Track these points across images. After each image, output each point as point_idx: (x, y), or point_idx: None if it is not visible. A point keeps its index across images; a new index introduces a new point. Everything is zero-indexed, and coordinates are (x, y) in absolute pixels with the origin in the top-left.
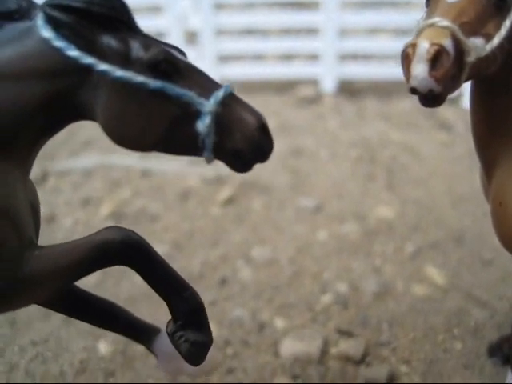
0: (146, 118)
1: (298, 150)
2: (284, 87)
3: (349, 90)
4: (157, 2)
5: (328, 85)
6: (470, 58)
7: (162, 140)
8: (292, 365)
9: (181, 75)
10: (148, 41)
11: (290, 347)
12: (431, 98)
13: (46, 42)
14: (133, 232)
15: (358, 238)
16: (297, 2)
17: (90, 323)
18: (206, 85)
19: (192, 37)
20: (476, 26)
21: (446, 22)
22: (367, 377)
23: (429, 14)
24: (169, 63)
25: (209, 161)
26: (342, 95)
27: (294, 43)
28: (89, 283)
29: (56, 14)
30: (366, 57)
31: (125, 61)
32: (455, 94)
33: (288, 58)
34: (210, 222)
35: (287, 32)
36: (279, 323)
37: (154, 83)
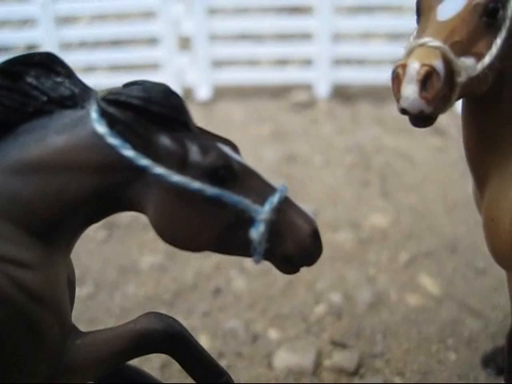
0: (199, 222)
1: (293, 156)
2: (278, 92)
3: (343, 94)
4: (149, 7)
5: (322, 90)
6: (461, 78)
7: (215, 243)
8: (286, 377)
9: (237, 180)
10: (206, 143)
11: (283, 359)
12: (422, 119)
13: (99, 136)
14: (173, 320)
15: (353, 247)
16: (290, 7)
17: None
18: (260, 189)
19: (185, 42)
20: (467, 45)
21: (436, 42)
22: None
23: (419, 33)
24: (226, 169)
25: (257, 262)
26: (336, 100)
27: (287, 48)
28: (81, 295)
29: (112, 110)
30: (359, 61)
31: (181, 164)
32: None
33: (282, 62)
34: None
35: (281, 37)
36: (273, 334)
37: (210, 190)
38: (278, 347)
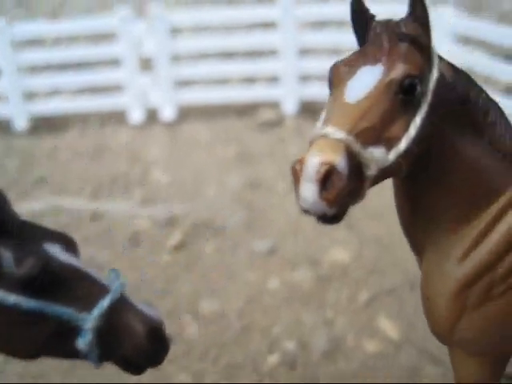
0: (20, 336)
1: (256, 182)
2: (245, 111)
3: (311, 110)
4: (110, 28)
5: (289, 107)
6: (371, 172)
7: (41, 352)
8: None
9: (60, 286)
10: (23, 248)
11: None
12: (328, 219)
13: None
14: None
15: (311, 286)
16: (255, 24)
17: None
18: (90, 293)
19: (147, 63)
20: (379, 130)
21: (340, 134)
22: None
23: (325, 117)
24: (45, 276)
25: (96, 367)
26: (303, 116)
27: (253, 65)
28: None
29: None
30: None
31: None
32: None
33: (248, 80)
34: (159, 270)
35: (246, 54)
36: None
37: (27, 304)
38: None
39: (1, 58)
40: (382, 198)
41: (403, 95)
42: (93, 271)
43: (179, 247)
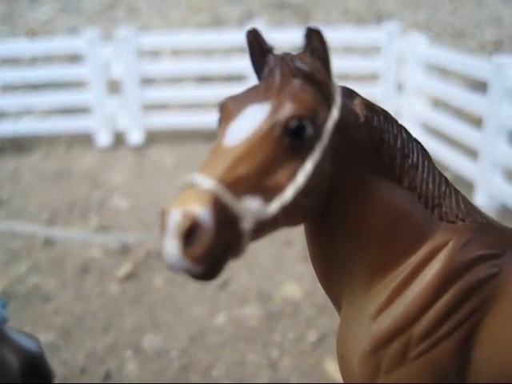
0: None
1: None
2: (213, 135)
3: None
4: (77, 50)
5: None
6: (248, 225)
7: None
8: None
9: None
10: None
11: None
12: (197, 277)
13: None
14: None
15: (259, 323)
16: (224, 49)
17: None
18: None
19: (115, 85)
20: (257, 179)
21: (209, 183)
22: None
23: (203, 162)
24: None
25: None
26: None
27: (221, 90)
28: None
29: None
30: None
31: None
32: None
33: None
34: (105, 302)
35: (215, 79)
36: None
37: None
38: None
39: None
40: None
41: (290, 138)
42: None
43: (128, 278)
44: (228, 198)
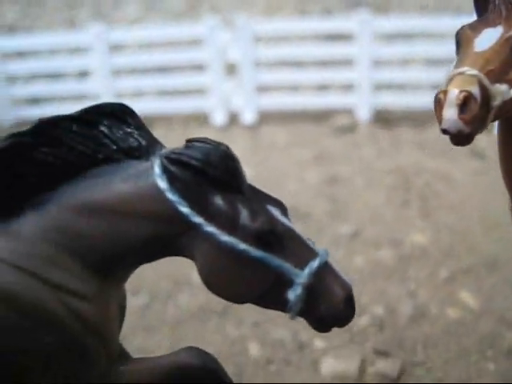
0: (241, 280)
1: (335, 178)
2: (320, 117)
3: (384, 119)
4: (198, 35)
5: (363, 114)
6: (496, 102)
7: (255, 298)
8: (332, 382)
9: (280, 244)
10: (256, 207)
11: (329, 365)
12: (461, 138)
13: (159, 190)
14: (210, 357)
15: (394, 264)
16: (332, 35)
17: None
18: (302, 253)
19: (232, 68)
20: (500, 73)
21: (473, 71)
22: None
23: (458, 63)
24: (272, 233)
25: (292, 318)
26: (376, 124)
27: (330, 74)
28: (137, 305)
29: (173, 168)
30: (399, 86)
31: (231, 225)
32: None
33: (324, 88)
34: None
35: (323, 63)
36: (318, 344)
37: (255, 252)
38: (323, 355)
39: (99, 61)
40: (456, 194)
41: None
42: (305, 237)
43: None
44: (486, 82)
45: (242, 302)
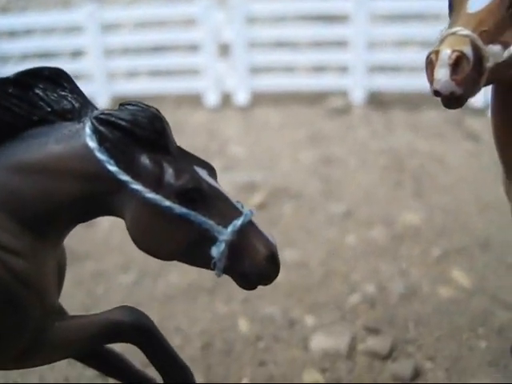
0: (167, 235)
1: (329, 159)
2: (314, 98)
3: (378, 101)
4: (191, 15)
5: (357, 96)
6: (489, 64)
7: (180, 255)
8: (321, 359)
9: (205, 202)
10: (181, 166)
11: (319, 342)
12: (453, 100)
13: (90, 149)
14: (144, 316)
15: (386, 242)
16: (327, 16)
17: (100, 371)
18: (227, 212)
19: (225, 49)
20: (494, 34)
21: (466, 31)
22: (393, 371)
23: (451, 24)
24: (196, 191)
25: (218, 276)
26: (371, 106)
27: (324, 55)
28: (126, 282)
29: (102, 128)
30: (394, 68)
31: (156, 183)
32: (482, 104)
33: (318, 70)
34: None
35: (317, 45)
36: (309, 320)
37: (179, 209)
38: (313, 332)
39: (92, 40)
40: (449, 175)
41: None
42: (230, 196)
43: (260, 207)
44: (480, 43)
45: (169, 259)
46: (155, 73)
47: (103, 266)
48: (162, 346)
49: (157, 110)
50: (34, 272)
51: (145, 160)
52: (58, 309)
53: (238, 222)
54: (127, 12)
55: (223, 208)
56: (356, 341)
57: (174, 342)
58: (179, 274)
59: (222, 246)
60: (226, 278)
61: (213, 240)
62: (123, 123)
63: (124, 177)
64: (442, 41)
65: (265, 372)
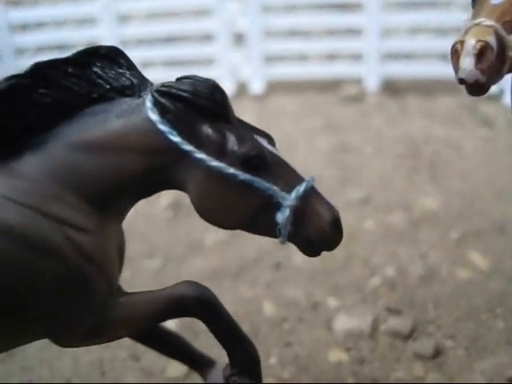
0: (232, 203)
1: (344, 146)
2: (329, 86)
3: (392, 88)
4: (205, 5)
5: (371, 83)
6: (511, 53)
7: (245, 223)
8: (345, 339)
9: (268, 169)
10: (243, 134)
11: (342, 323)
12: (477, 87)
13: (151, 122)
14: (207, 290)
15: (404, 227)
16: (340, 4)
17: (158, 351)
18: (289, 179)
19: (239, 38)
20: None
21: (490, 22)
22: (415, 350)
23: (475, 15)
24: (259, 158)
25: (282, 243)
26: (385, 93)
27: (338, 43)
28: (151, 267)
29: (164, 100)
30: (408, 56)
31: (220, 152)
32: (497, 91)
33: (332, 57)
34: None
35: (331, 33)
36: (332, 302)
37: (243, 176)
38: (336, 313)
39: (107, 31)
40: (465, 161)
41: None
42: (291, 164)
43: None
44: (503, 33)
45: (234, 227)
46: (170, 63)
47: (128, 253)
48: (226, 320)
49: (215, 82)
50: (101, 250)
51: (207, 129)
52: (118, 289)
53: (301, 188)
54: (142, 3)
55: (285, 174)
56: (378, 321)
57: (200, 326)
58: (203, 259)
59: (287, 212)
60: (249, 262)
61: (277, 206)
62: (185, 94)
63: (187, 147)
64: (466, 31)
65: (291, 352)
